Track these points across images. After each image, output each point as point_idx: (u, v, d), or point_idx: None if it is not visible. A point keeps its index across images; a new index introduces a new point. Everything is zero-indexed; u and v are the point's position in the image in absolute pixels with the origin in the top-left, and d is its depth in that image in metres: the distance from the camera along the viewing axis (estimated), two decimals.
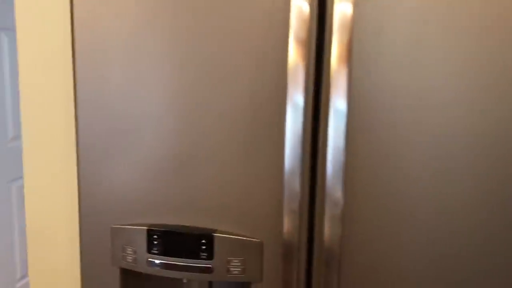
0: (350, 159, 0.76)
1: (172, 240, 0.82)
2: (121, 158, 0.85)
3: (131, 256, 0.85)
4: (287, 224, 0.75)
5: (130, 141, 0.84)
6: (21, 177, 2.37)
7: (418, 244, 0.77)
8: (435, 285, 0.78)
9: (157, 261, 0.83)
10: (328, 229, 0.75)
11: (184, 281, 0.89)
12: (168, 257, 0.82)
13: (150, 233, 0.83)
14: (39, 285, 1.00)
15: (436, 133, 0.74)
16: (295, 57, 0.72)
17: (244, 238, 0.80)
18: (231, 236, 0.80)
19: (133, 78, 0.82)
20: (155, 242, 0.83)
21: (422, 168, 0.75)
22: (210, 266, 0.81)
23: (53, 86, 0.93)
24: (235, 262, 0.80)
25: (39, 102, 0.94)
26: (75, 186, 0.97)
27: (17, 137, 2.35)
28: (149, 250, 0.83)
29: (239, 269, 0.80)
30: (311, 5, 0.72)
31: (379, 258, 0.78)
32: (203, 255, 0.81)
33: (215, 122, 0.80)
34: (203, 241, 0.80)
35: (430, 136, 0.74)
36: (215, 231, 0.81)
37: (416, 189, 0.76)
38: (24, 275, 2.43)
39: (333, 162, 0.73)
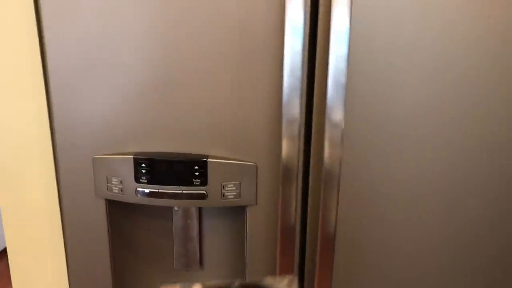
0: (350, 81, 0.74)
1: (162, 168, 0.78)
2: (98, 81, 0.78)
3: (117, 187, 0.81)
4: (286, 148, 0.73)
5: (107, 62, 0.76)
6: None
7: (419, 165, 0.78)
8: (434, 203, 0.80)
9: (146, 190, 0.79)
10: (328, 151, 0.73)
11: (176, 208, 0.86)
12: (158, 185, 0.79)
13: (137, 161, 0.79)
14: (14, 222, 0.94)
15: (438, 51, 0.72)
16: None
17: (239, 162, 0.78)
18: (225, 161, 0.78)
19: None
20: (144, 171, 0.79)
21: (425, 88, 0.74)
22: (204, 192, 0.78)
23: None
24: (230, 186, 0.78)
25: None
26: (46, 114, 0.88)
27: None
28: (137, 180, 0.79)
29: (234, 193, 0.79)
30: None
31: (378, 180, 0.79)
32: (196, 182, 0.78)
33: (205, 39, 0.74)
34: (196, 167, 0.77)
35: (431, 54, 0.73)
36: (207, 156, 0.78)
37: (417, 109, 0.75)
38: None
39: (334, 83, 0.70)
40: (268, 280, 0.30)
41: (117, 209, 0.86)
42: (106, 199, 0.83)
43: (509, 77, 0.74)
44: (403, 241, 0.83)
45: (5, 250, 2.55)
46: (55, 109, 0.81)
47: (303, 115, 0.77)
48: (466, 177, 0.79)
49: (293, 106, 0.73)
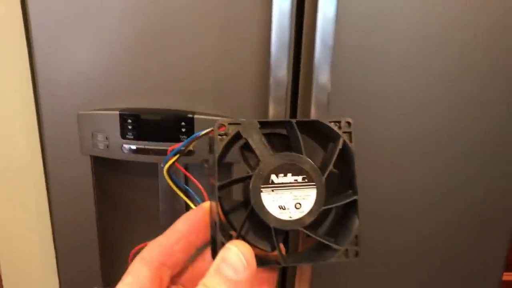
0: (337, 43, 0.74)
1: (149, 124, 0.78)
2: (83, 35, 0.76)
3: (102, 143, 0.81)
4: (273, 109, 0.74)
5: (92, 15, 0.75)
6: None
7: (406, 128, 0.79)
8: (423, 169, 0.82)
9: (133, 147, 0.79)
10: (314, 113, 0.74)
11: (162, 165, 0.86)
12: (145, 142, 0.79)
13: (123, 117, 0.78)
14: None
15: (428, 12, 0.73)
16: None
17: (226, 119, 0.78)
18: (213, 117, 0.78)
19: None
20: (130, 127, 0.78)
21: (414, 51, 0.75)
22: (191, 148, 0.79)
23: None
24: None
25: None
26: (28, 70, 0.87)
27: None
28: (123, 136, 0.79)
29: None
30: None
31: (363, 144, 0.80)
32: (183, 138, 0.78)
33: None
34: (183, 123, 0.77)
35: (421, 15, 0.73)
36: (194, 113, 0.78)
37: (406, 72, 0.76)
38: None
39: (321, 45, 0.71)
40: (324, 118, 0.33)
41: (102, 166, 0.85)
42: (91, 156, 0.82)
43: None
44: (391, 208, 0.85)
45: None
46: (38, 63, 0.79)
47: (290, 77, 0.77)
48: (458, 136, 0.81)
49: (280, 67, 0.73)
